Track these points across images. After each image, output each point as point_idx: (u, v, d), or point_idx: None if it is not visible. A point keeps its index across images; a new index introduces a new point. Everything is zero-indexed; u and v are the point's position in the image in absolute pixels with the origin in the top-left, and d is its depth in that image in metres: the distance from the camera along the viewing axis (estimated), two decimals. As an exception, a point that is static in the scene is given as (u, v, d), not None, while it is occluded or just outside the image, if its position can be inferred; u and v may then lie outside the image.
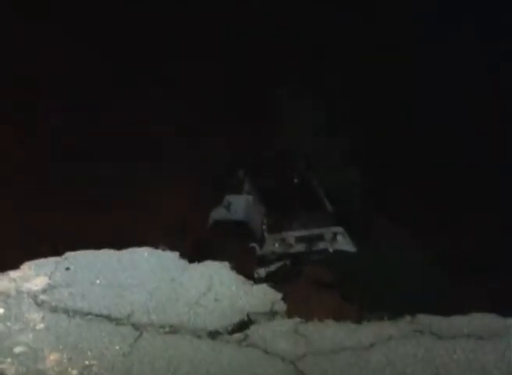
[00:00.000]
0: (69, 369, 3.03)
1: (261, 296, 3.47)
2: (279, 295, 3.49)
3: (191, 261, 3.68)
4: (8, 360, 3.06)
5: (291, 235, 4.69)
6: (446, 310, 3.41)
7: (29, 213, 4.41)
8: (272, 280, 4.34)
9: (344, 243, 4.68)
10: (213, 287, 3.52)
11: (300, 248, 4.65)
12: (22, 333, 3.20)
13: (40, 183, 4.96)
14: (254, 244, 4.76)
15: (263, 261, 4.55)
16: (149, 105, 6.47)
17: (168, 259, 3.75)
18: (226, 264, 3.68)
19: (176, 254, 3.74)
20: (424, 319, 3.36)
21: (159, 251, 3.80)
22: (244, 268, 4.53)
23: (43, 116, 6.33)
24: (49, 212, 4.47)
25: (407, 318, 3.36)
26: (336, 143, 5.57)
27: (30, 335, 3.19)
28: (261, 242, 4.67)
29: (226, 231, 4.85)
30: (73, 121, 5.97)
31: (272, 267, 4.48)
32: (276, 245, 4.67)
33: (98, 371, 3.03)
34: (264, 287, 3.47)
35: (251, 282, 3.45)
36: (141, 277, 3.57)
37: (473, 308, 3.62)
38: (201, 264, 3.67)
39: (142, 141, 5.84)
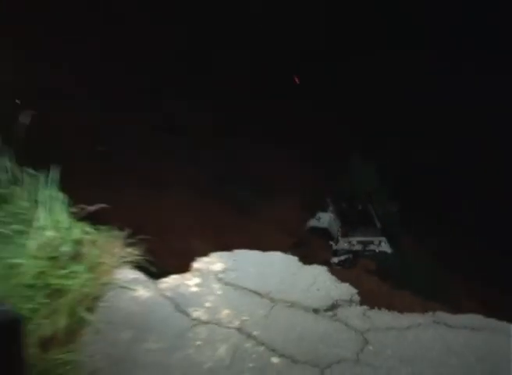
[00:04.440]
0: (234, 320, 4.43)
1: (345, 290, 4.93)
2: (356, 291, 4.96)
3: (305, 263, 5.25)
4: (201, 310, 4.53)
5: (354, 239, 6.37)
6: (454, 309, 4.80)
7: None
8: (341, 265, 5.96)
9: (385, 247, 6.31)
10: (317, 282, 5.00)
11: (358, 247, 6.31)
12: (209, 295, 4.68)
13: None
14: (331, 243, 6.45)
15: (336, 253, 6.21)
16: (268, 148, 7.96)
17: (291, 260, 5.28)
18: (326, 268, 5.21)
19: (296, 258, 5.29)
20: (441, 315, 4.76)
21: (287, 255, 5.36)
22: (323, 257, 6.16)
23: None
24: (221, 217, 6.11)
25: (430, 313, 4.77)
26: (386, 189, 7.12)
27: (213, 297, 4.61)
28: (336, 242, 6.39)
29: (316, 234, 6.63)
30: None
31: (342, 257, 6.13)
32: (345, 245, 6.34)
33: (250, 324, 4.32)
34: (347, 286, 4.95)
35: (340, 281, 4.97)
36: (276, 270, 5.07)
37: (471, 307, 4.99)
38: (311, 266, 5.21)
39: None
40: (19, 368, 1.58)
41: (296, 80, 10.68)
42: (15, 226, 4.62)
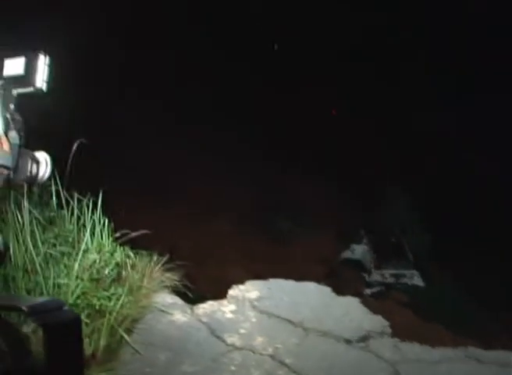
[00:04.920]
0: (267, 347, 4.57)
1: (377, 322, 4.97)
2: (387, 323, 4.99)
3: (338, 294, 5.30)
4: (236, 336, 4.69)
5: (387, 272, 6.45)
6: (485, 344, 4.78)
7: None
8: (373, 297, 6.02)
9: (418, 281, 6.35)
10: (349, 312, 5.06)
11: (391, 280, 6.38)
12: (243, 322, 4.82)
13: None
14: (365, 275, 6.53)
15: (369, 285, 6.29)
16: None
17: (325, 291, 5.35)
18: (358, 299, 5.25)
19: (329, 288, 5.36)
20: (473, 350, 4.74)
21: (321, 286, 5.43)
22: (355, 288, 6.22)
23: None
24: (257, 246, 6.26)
25: (462, 347, 4.75)
26: (421, 222, 7.19)
27: (248, 324, 4.78)
28: (369, 274, 6.48)
29: (350, 265, 6.74)
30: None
31: (374, 289, 6.19)
32: (378, 277, 6.42)
33: (282, 352, 4.46)
34: (379, 318, 4.98)
35: (372, 313, 5.00)
36: (310, 300, 5.17)
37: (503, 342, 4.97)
38: (344, 297, 5.27)
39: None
40: (78, 365, 1.74)
41: (334, 113, 10.89)
42: (62, 248, 4.81)
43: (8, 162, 2.35)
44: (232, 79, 9.58)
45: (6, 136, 2.40)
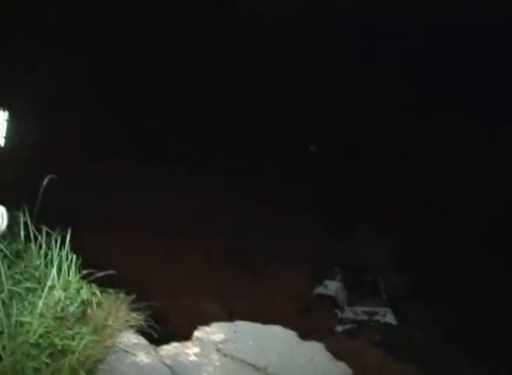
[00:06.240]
0: None
1: (341, 369, 4.97)
2: (350, 369, 4.98)
3: (303, 339, 5.27)
4: None
5: (360, 309, 6.53)
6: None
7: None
8: (345, 334, 6.05)
9: (390, 318, 6.44)
10: (314, 359, 5.04)
11: (364, 317, 6.46)
12: (207, 366, 4.81)
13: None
14: (337, 311, 6.58)
15: (342, 322, 6.33)
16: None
17: (291, 335, 5.33)
18: (323, 345, 5.23)
19: (295, 333, 5.33)
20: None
21: (287, 330, 5.40)
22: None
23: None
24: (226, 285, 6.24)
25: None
26: (396, 261, 7.29)
27: (211, 368, 4.75)
28: (342, 310, 6.54)
29: (323, 301, 6.80)
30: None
31: (346, 326, 6.24)
32: (351, 314, 6.48)
33: None
34: (343, 365, 4.97)
35: (336, 360, 4.98)
36: (275, 344, 5.13)
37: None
38: (309, 343, 5.25)
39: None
40: None
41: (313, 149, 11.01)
42: (26, 284, 4.73)
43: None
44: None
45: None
